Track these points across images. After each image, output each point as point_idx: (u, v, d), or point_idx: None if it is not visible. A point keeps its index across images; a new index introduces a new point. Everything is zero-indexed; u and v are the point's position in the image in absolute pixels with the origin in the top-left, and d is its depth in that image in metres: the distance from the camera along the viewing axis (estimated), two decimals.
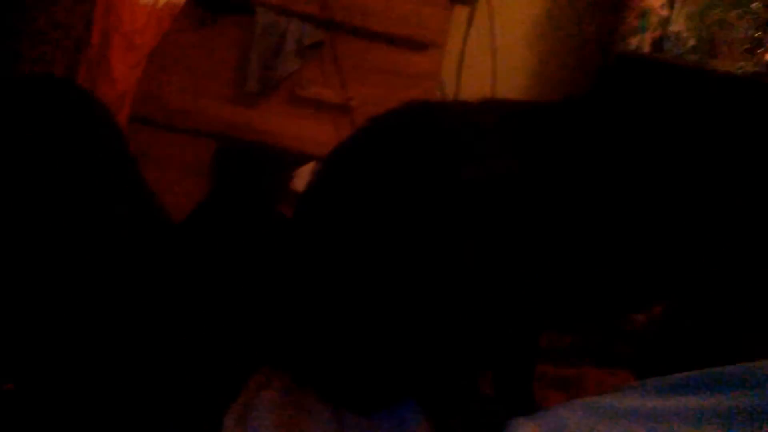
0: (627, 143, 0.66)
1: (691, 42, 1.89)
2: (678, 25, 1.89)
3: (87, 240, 0.75)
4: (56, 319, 0.73)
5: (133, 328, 0.73)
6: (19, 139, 0.75)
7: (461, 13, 1.87)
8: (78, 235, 0.75)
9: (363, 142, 0.71)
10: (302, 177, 1.64)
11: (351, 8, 1.67)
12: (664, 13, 1.88)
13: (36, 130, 0.76)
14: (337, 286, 0.64)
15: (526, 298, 0.63)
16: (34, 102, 0.78)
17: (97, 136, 0.83)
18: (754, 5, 1.90)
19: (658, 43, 1.86)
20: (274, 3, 1.63)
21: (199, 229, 1.11)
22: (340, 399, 0.65)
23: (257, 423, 0.64)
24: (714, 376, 0.50)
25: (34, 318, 0.72)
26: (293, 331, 0.69)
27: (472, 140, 0.68)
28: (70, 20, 1.53)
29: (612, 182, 0.63)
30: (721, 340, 0.65)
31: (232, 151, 1.63)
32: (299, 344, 0.68)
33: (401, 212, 0.63)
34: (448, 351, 0.63)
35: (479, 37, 1.91)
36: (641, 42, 1.86)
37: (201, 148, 1.63)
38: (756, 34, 1.91)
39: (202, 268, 0.92)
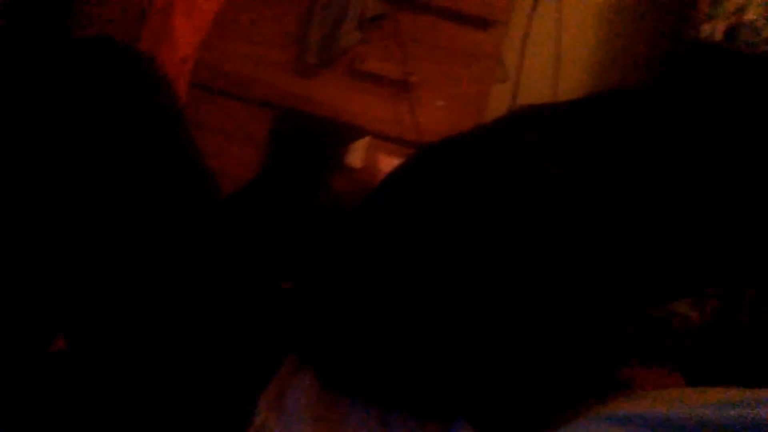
0: (695, 137, 0.63)
1: (767, 32, 1.82)
2: (753, 14, 1.82)
3: (138, 207, 0.75)
4: (107, 277, 0.74)
5: (177, 296, 0.73)
6: (71, 103, 0.75)
7: None
8: (129, 202, 0.75)
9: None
10: (357, 151, 1.64)
11: None
12: (740, 0, 1.82)
13: (90, 95, 0.76)
14: (397, 292, 0.63)
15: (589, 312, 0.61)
16: (89, 65, 0.78)
17: (152, 104, 0.83)
18: None
19: (731, 32, 1.80)
20: None
21: (251, 204, 1.11)
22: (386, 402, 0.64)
23: (292, 407, 0.64)
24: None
25: (87, 273, 0.73)
26: (334, 332, 0.67)
27: (532, 144, 0.66)
28: None
29: (679, 177, 0.60)
30: None
31: (289, 121, 1.63)
32: (340, 347, 0.67)
33: (465, 226, 0.62)
34: (506, 369, 0.61)
35: (545, 19, 1.87)
36: (714, 30, 1.79)
37: (259, 117, 1.64)
38: None
39: (250, 244, 0.92)
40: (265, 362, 0.68)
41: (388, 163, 1.59)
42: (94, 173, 0.75)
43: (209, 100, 1.62)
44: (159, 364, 0.68)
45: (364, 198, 0.80)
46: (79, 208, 0.74)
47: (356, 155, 1.64)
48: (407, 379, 0.61)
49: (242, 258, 0.86)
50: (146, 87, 0.87)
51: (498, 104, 1.84)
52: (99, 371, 0.68)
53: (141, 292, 0.73)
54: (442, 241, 0.63)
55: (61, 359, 0.69)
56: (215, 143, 1.61)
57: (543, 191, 0.62)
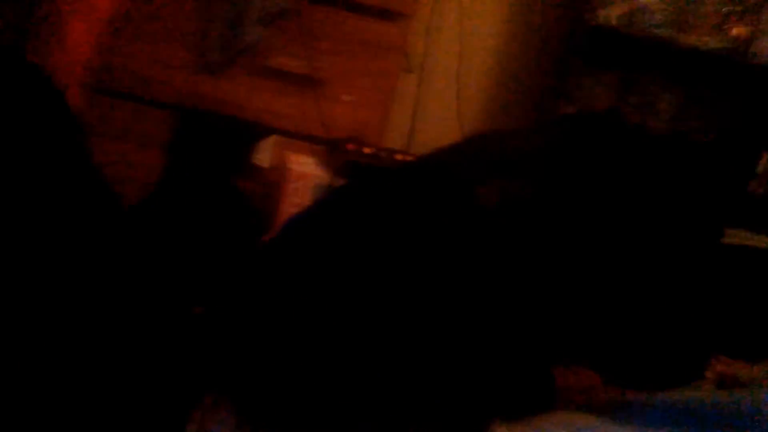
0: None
1: (661, 16, 1.88)
2: None
3: (31, 226, 0.72)
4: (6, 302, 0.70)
5: (77, 322, 0.70)
6: None
7: None
8: (20, 221, 0.71)
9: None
10: (264, 151, 1.61)
11: None
12: None
13: None
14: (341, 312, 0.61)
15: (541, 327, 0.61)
16: None
17: (43, 114, 0.80)
18: None
19: (628, 16, 1.85)
20: None
21: (156, 213, 1.08)
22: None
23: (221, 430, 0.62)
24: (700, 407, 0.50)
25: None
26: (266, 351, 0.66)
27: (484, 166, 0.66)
28: None
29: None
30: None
31: (192, 122, 1.59)
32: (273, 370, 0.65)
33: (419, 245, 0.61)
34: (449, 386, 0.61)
35: (448, 8, 1.88)
36: (609, 14, 1.84)
37: (161, 119, 1.59)
38: (724, 10, 1.91)
39: (156, 260, 0.89)
40: (181, 398, 0.66)
41: (296, 160, 1.57)
42: None
43: (107, 104, 1.56)
44: (59, 406, 0.65)
45: (288, 224, 0.79)
46: None
47: (263, 154, 1.61)
48: (328, 408, 0.60)
49: (148, 277, 0.83)
50: (35, 96, 0.83)
51: (404, 96, 1.84)
52: None
53: (37, 318, 0.69)
54: (382, 271, 0.62)
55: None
56: (115, 148, 1.56)
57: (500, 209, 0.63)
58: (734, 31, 1.92)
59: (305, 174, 1.51)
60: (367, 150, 1.59)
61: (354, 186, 0.74)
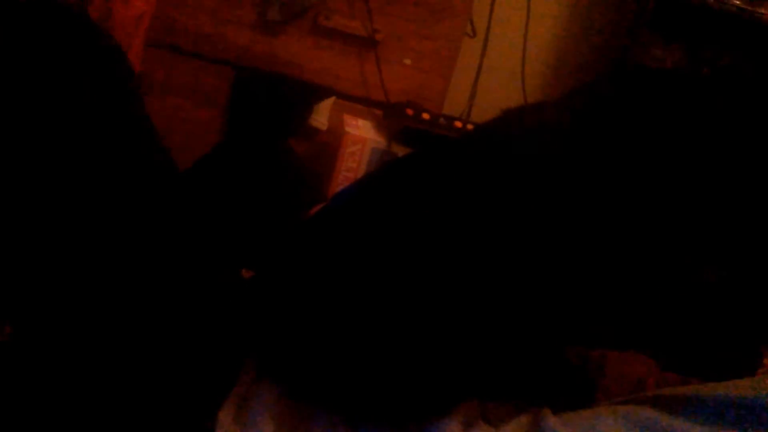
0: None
1: None
2: None
3: (86, 185, 0.72)
4: (53, 261, 0.71)
5: (128, 282, 0.70)
6: (11, 72, 0.70)
7: None
8: (76, 179, 0.71)
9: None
10: (322, 112, 1.60)
11: None
12: None
13: (30, 63, 0.72)
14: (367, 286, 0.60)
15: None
16: (30, 30, 0.73)
17: (102, 73, 0.79)
18: None
19: None
20: None
21: (215, 172, 1.08)
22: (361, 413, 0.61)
23: (254, 421, 0.61)
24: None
25: (31, 260, 0.70)
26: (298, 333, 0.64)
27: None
28: None
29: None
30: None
31: (251, 80, 1.58)
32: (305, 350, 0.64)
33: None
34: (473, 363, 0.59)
35: None
36: None
37: (220, 76, 1.58)
38: None
39: (212, 220, 0.88)
40: (225, 366, 0.66)
41: (354, 124, 1.55)
42: (36, 148, 0.71)
43: (168, 59, 1.56)
44: (107, 359, 0.65)
45: (338, 196, 0.77)
46: (25, 184, 0.70)
47: (321, 116, 1.60)
48: (377, 385, 0.59)
49: (200, 238, 0.83)
50: (94, 54, 0.83)
51: (467, 61, 1.80)
52: (43, 365, 0.65)
53: (90, 276, 0.69)
54: (431, 240, 0.60)
55: (4, 348, 0.66)
56: (175, 105, 1.56)
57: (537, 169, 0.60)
58: None
59: (362, 138, 1.50)
60: (425, 116, 1.57)
61: (403, 163, 0.72)
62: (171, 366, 0.66)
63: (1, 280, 0.68)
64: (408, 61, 1.66)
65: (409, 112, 1.57)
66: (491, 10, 1.81)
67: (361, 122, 1.57)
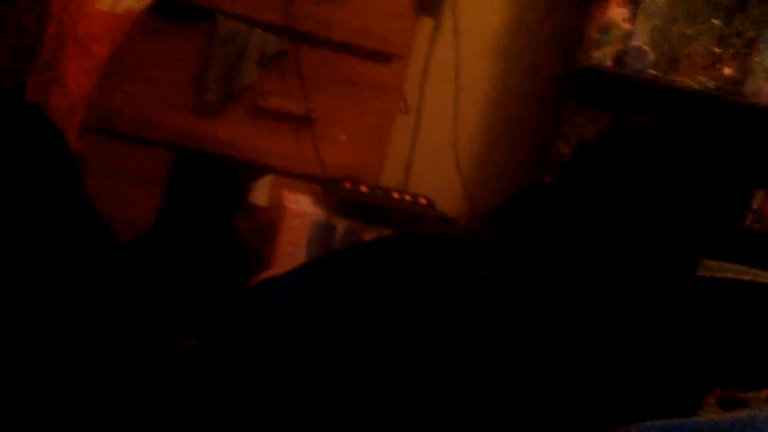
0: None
1: (653, 56, 1.90)
2: (640, 39, 1.91)
3: (26, 264, 0.72)
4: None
5: (69, 353, 0.70)
6: None
7: (426, 24, 1.86)
8: (17, 259, 0.71)
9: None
10: (261, 189, 1.62)
11: (314, 18, 1.65)
12: (627, 26, 1.90)
13: None
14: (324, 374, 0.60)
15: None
16: None
17: (40, 154, 0.80)
18: (714, 21, 1.92)
19: (620, 57, 1.88)
20: (235, 11, 1.61)
21: (153, 250, 1.08)
22: None
23: None
24: None
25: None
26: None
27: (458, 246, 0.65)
28: (23, 23, 1.49)
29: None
30: None
31: (190, 162, 1.59)
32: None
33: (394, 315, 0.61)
34: None
35: (443, 50, 1.90)
36: (603, 55, 1.87)
37: (158, 159, 1.60)
38: (716, 49, 1.93)
39: (151, 294, 0.89)
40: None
41: (293, 199, 1.57)
42: None
43: (105, 144, 1.57)
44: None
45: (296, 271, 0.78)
46: None
47: (261, 193, 1.62)
48: None
49: (143, 310, 0.83)
50: (34, 135, 0.84)
51: (400, 137, 1.86)
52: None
53: (32, 355, 0.69)
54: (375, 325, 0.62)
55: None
56: (113, 188, 1.56)
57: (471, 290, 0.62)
58: (726, 71, 1.95)
59: (302, 212, 1.52)
60: (363, 188, 1.60)
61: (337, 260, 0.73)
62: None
63: None
64: (343, 137, 1.71)
65: (348, 185, 1.60)
66: (422, 87, 1.88)
67: (300, 197, 1.60)
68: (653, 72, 1.90)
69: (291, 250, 1.50)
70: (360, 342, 0.62)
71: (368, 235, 1.52)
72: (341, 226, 1.53)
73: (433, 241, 0.66)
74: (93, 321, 0.76)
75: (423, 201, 1.66)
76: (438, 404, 0.58)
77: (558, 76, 1.93)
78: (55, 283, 0.75)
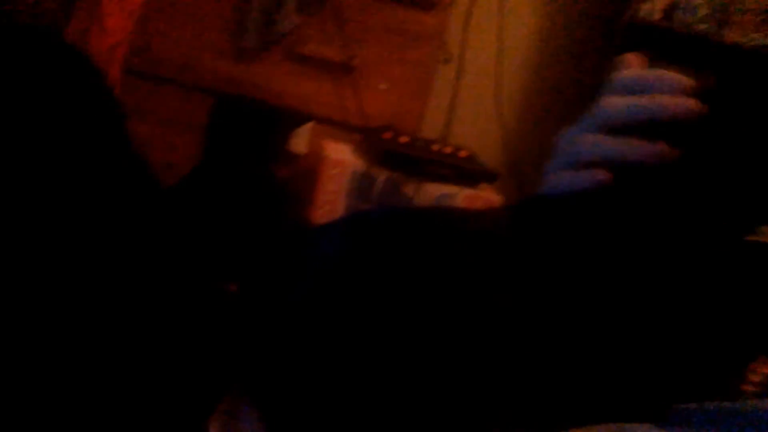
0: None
1: (704, 10, 1.84)
2: None
3: (68, 205, 0.71)
4: (33, 282, 0.70)
5: (109, 299, 0.69)
6: None
7: None
8: (59, 200, 0.71)
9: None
10: (301, 137, 1.60)
11: None
12: None
13: (14, 85, 0.72)
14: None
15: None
16: (13, 54, 0.73)
17: (83, 95, 0.79)
18: None
19: (669, 11, 1.82)
20: None
21: (192, 196, 1.07)
22: None
23: (249, 426, 0.60)
24: None
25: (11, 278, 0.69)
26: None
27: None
28: None
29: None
30: None
31: (229, 107, 1.58)
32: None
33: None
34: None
35: (486, 1, 1.86)
36: (652, 9, 1.81)
37: (198, 103, 1.59)
38: None
39: (191, 239, 0.88)
40: (210, 382, 0.65)
41: (333, 148, 1.56)
42: (20, 171, 0.70)
43: (145, 87, 1.56)
44: (92, 377, 0.64)
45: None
46: (15, 201, 0.70)
47: (300, 141, 1.60)
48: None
49: (183, 256, 0.82)
50: (76, 77, 0.82)
51: (442, 85, 1.82)
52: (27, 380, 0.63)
53: (72, 298, 0.69)
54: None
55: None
56: (152, 132, 1.56)
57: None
58: None
59: (341, 161, 1.50)
60: (403, 139, 1.58)
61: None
62: (157, 381, 0.65)
63: None
64: (384, 86, 1.68)
65: (388, 135, 1.58)
66: (464, 37, 1.84)
67: (340, 146, 1.58)
68: (703, 26, 1.84)
69: (330, 200, 1.49)
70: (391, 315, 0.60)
71: (408, 187, 1.51)
72: (381, 176, 1.51)
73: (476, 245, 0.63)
74: (134, 264, 0.76)
75: (464, 153, 1.64)
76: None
77: (605, 29, 1.87)
78: (97, 224, 0.75)
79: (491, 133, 1.91)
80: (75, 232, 0.71)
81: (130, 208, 0.81)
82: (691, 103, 0.53)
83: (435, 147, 1.61)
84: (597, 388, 0.56)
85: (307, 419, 0.59)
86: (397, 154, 1.54)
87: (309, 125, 1.61)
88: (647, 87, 0.55)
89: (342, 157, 1.52)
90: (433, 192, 1.53)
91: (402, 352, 0.56)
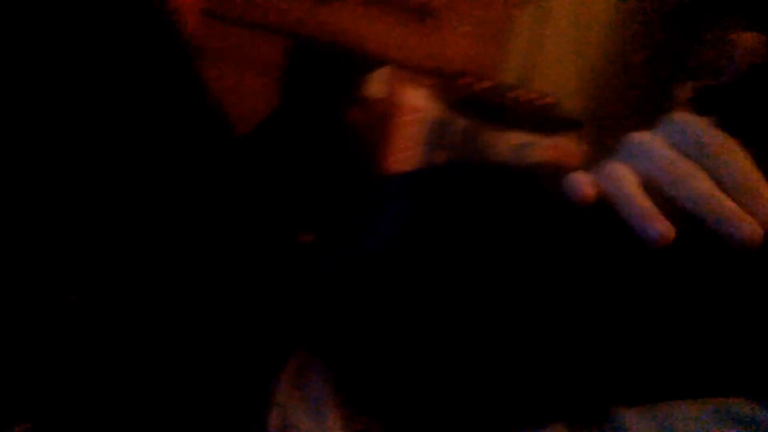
0: None
1: None
2: None
3: (143, 151, 0.71)
4: (116, 227, 0.70)
5: (186, 249, 0.69)
6: (65, 35, 0.69)
7: None
8: (133, 145, 0.70)
9: None
10: (377, 82, 1.57)
11: None
12: None
13: (83, 25, 0.71)
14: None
15: None
16: None
17: (158, 37, 0.78)
18: None
19: None
20: None
21: (268, 139, 1.06)
22: None
23: (316, 385, 0.59)
24: None
25: (92, 225, 0.69)
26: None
27: None
28: None
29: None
30: None
31: (306, 50, 1.56)
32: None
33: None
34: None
35: None
36: None
37: (273, 46, 1.57)
38: None
39: (269, 185, 0.87)
40: (284, 332, 0.64)
41: (409, 93, 1.52)
42: (92, 113, 0.70)
43: (222, 29, 1.55)
44: (168, 320, 0.64)
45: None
46: (78, 152, 0.70)
47: (376, 86, 1.57)
48: (442, 405, 0.56)
49: (258, 204, 0.81)
50: (150, 18, 0.81)
51: (526, 29, 1.76)
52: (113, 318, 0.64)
53: (147, 244, 0.69)
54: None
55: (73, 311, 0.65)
56: (230, 73, 1.55)
57: None
58: None
59: (418, 107, 1.47)
60: (482, 84, 1.53)
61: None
62: (229, 333, 0.64)
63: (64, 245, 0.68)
64: (463, 29, 1.63)
65: (467, 80, 1.53)
66: None
67: (416, 91, 1.54)
68: None
69: (406, 146, 1.46)
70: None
71: (488, 136, 1.47)
72: (459, 124, 1.47)
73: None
74: (209, 211, 0.75)
75: (546, 100, 1.58)
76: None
77: None
78: (170, 172, 0.74)
79: (574, 79, 1.84)
80: (146, 180, 0.71)
81: (204, 153, 0.80)
82: None
83: (515, 94, 1.56)
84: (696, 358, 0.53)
85: (377, 378, 0.58)
86: (476, 100, 1.50)
87: (386, 70, 1.58)
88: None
89: (419, 103, 1.49)
90: (512, 140, 1.49)
91: (473, 317, 0.54)
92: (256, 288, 0.68)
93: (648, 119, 0.60)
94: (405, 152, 1.46)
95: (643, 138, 0.54)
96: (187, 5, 1.45)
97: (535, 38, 1.79)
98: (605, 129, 1.82)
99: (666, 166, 0.51)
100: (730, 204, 0.48)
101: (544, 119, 1.52)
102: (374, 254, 0.61)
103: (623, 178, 0.52)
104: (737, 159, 0.49)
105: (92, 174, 0.69)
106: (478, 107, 1.50)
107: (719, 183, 0.49)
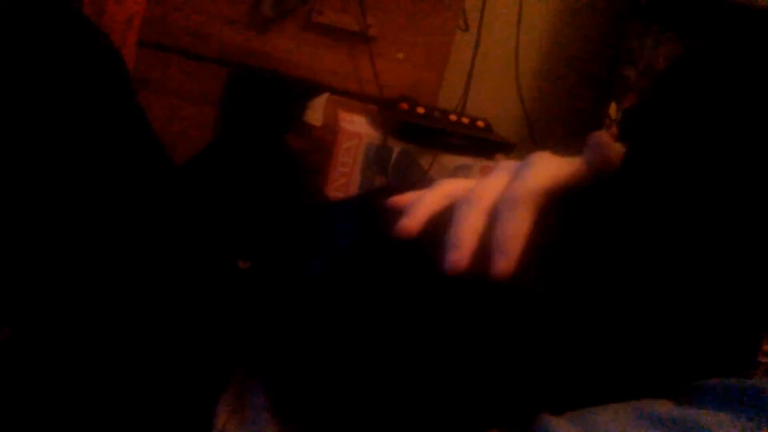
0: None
1: None
2: None
3: (79, 183, 0.71)
4: (49, 260, 0.70)
5: (124, 276, 0.69)
6: (4, 63, 0.70)
7: None
8: (69, 178, 0.70)
9: None
10: (316, 108, 1.59)
11: None
12: None
13: (23, 56, 0.71)
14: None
15: None
16: (24, 24, 0.72)
17: (95, 68, 0.78)
18: None
19: None
20: None
21: (207, 167, 1.07)
22: None
23: (254, 409, 0.60)
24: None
25: (27, 259, 0.69)
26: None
27: None
28: None
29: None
30: None
31: (245, 78, 1.57)
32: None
33: None
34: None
35: None
36: None
37: (212, 75, 1.58)
38: None
39: (207, 214, 0.88)
40: (220, 360, 0.65)
41: (348, 119, 1.55)
42: (32, 146, 0.70)
43: (160, 59, 1.55)
44: (104, 356, 0.65)
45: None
46: (20, 183, 0.70)
47: (316, 112, 1.59)
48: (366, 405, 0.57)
49: (196, 231, 0.82)
50: (87, 49, 0.82)
51: (460, 54, 1.80)
52: (40, 365, 0.64)
53: (87, 273, 0.69)
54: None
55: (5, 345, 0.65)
56: (167, 104, 1.55)
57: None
58: None
59: (358, 133, 1.49)
60: (420, 110, 1.56)
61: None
62: (167, 361, 0.65)
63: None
64: (401, 56, 1.66)
65: (404, 106, 1.56)
66: (483, 4, 1.81)
67: (356, 117, 1.57)
68: None
69: (345, 171, 1.48)
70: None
71: (424, 159, 1.50)
72: (397, 148, 1.50)
73: None
74: (146, 240, 0.76)
75: (481, 124, 1.62)
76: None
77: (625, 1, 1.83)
78: (108, 200, 0.75)
79: (509, 103, 1.89)
80: (84, 210, 0.71)
81: (141, 182, 0.81)
82: None
83: (452, 118, 1.60)
84: (612, 366, 0.55)
85: (315, 399, 0.59)
86: (413, 125, 1.53)
87: (324, 96, 1.60)
88: None
89: (358, 128, 1.51)
90: (449, 163, 1.52)
91: (416, 336, 0.56)
92: (194, 313, 0.69)
93: (579, 140, 0.63)
94: (345, 177, 1.48)
95: (499, 164, 0.58)
96: (127, 35, 1.45)
97: (470, 64, 1.83)
98: (538, 150, 1.86)
99: (462, 193, 0.54)
100: (457, 232, 0.52)
101: (479, 142, 1.56)
102: (315, 279, 0.63)
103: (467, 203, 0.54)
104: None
105: (24, 202, 0.69)
106: (415, 131, 1.52)
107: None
